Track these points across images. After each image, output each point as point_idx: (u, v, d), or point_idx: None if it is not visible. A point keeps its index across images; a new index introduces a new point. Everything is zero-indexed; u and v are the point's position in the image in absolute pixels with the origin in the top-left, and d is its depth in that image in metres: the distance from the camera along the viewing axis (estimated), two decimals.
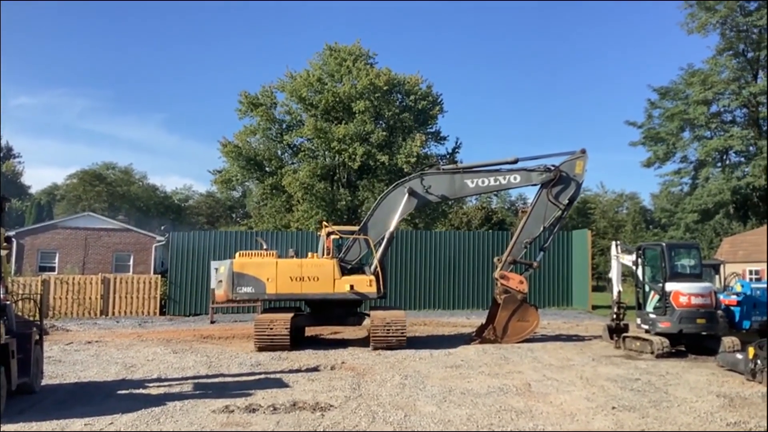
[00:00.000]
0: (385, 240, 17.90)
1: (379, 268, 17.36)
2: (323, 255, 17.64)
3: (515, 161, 18.48)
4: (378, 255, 17.67)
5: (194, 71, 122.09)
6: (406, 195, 18.13)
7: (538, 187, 18.52)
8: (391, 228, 18.00)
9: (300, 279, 16.75)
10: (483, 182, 18.50)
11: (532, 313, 18.14)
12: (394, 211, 18.13)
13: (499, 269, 18.19)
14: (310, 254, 18.18)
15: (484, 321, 19.01)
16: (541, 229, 18.57)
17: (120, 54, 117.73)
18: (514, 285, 17.91)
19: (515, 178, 18.46)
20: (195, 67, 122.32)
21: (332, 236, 17.95)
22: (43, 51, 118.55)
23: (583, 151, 18.55)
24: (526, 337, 18.07)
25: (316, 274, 16.80)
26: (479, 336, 18.13)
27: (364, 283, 16.95)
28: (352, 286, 16.82)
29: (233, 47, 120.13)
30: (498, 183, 18.59)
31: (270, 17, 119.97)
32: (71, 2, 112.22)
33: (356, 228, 18.78)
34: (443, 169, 19.09)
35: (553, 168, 18.33)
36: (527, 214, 18.54)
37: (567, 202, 18.57)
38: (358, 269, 17.66)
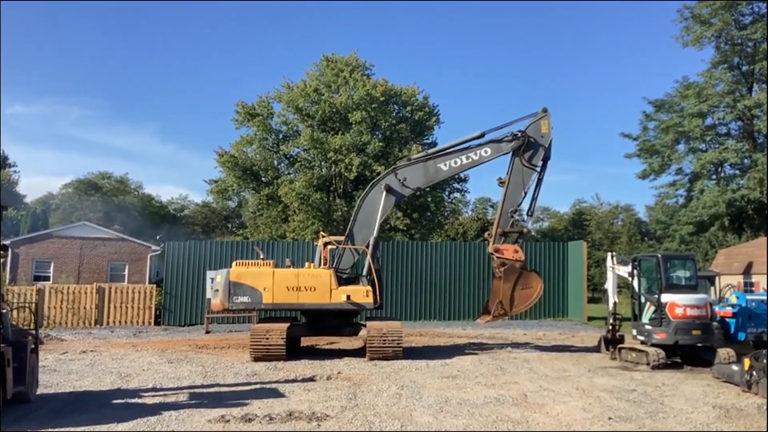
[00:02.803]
0: (370, 246, 17.69)
1: (374, 276, 17.33)
2: (320, 265, 17.64)
3: (482, 135, 18.37)
4: (366, 267, 17.54)
5: (189, 81, 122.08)
6: (384, 193, 17.99)
7: (510, 155, 18.35)
8: (375, 233, 17.83)
9: (296, 289, 16.70)
10: (456, 162, 18.39)
11: (534, 278, 17.99)
12: (376, 211, 17.96)
13: (491, 244, 18.03)
14: (307, 264, 18.15)
15: (479, 331, 18.97)
16: (523, 195, 18.26)
17: (114, 63, 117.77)
18: (510, 255, 17.68)
19: (486, 152, 18.32)
20: (190, 77, 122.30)
21: (329, 246, 17.97)
22: (37, 60, 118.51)
23: (545, 110, 18.44)
24: (533, 302, 18.13)
25: (313, 284, 16.76)
26: (487, 314, 18.02)
27: (361, 294, 16.88)
28: (348, 297, 16.75)
29: (229, 57, 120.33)
30: (470, 160, 18.36)
31: (267, 27, 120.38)
32: (65, 11, 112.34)
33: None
34: (414, 159, 18.89)
35: (520, 134, 18.17)
36: (506, 184, 18.19)
37: (541, 163, 18.33)
38: (355, 279, 17.61)
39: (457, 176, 45.71)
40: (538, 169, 18.28)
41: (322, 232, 20.47)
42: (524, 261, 18.00)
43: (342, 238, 18.52)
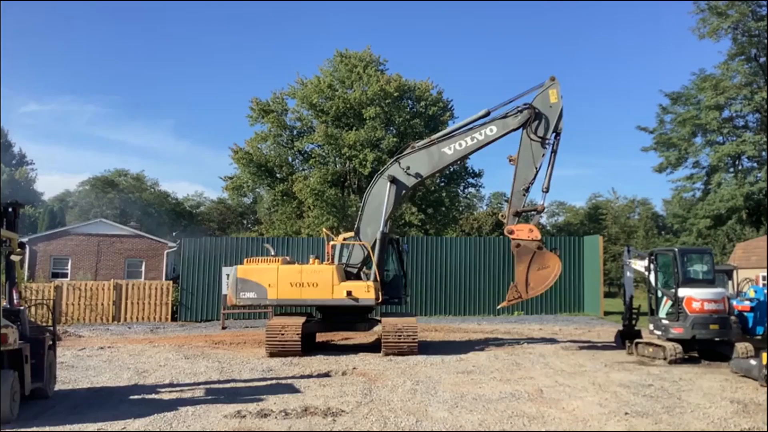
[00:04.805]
0: (377, 242, 17.41)
1: (377, 274, 17.09)
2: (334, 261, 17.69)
3: (487, 114, 17.49)
4: (375, 260, 17.30)
5: (203, 78, 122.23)
6: (388, 184, 17.59)
7: (520, 131, 17.42)
8: (381, 226, 17.47)
9: (300, 285, 16.65)
10: (460, 145, 17.64)
11: (550, 257, 17.12)
12: (382, 204, 17.58)
13: (506, 225, 17.34)
14: (311, 260, 18.07)
15: (494, 326, 18.87)
16: (534, 171, 17.28)
17: (128, 60, 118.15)
18: (525, 235, 16.97)
19: (491, 130, 17.48)
20: (203, 74, 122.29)
21: (331, 242, 17.96)
22: (51, 58, 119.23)
23: (553, 79, 17.48)
24: (551, 283, 17.24)
25: (315, 280, 16.67)
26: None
27: (362, 290, 16.65)
28: (349, 293, 16.57)
29: (243, 53, 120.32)
30: (475, 141, 17.54)
31: (280, 23, 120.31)
32: (77, 10, 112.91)
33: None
34: (417, 146, 18.16)
35: (526, 107, 17.31)
36: (516, 162, 17.29)
37: (553, 135, 17.35)
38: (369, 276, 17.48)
39: (471, 171, 45.79)
40: (551, 141, 17.37)
41: (326, 231, 20.41)
42: (541, 240, 17.19)
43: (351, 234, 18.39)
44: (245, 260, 17.75)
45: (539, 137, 17.23)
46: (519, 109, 17.40)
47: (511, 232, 17.14)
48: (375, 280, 16.99)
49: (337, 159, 41.85)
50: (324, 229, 19.47)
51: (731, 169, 44.91)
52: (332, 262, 17.39)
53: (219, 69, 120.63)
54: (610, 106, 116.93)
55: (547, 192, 17.67)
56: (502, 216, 17.99)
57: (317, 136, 40.55)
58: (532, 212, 17.87)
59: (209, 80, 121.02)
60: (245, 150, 42.46)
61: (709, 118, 42.54)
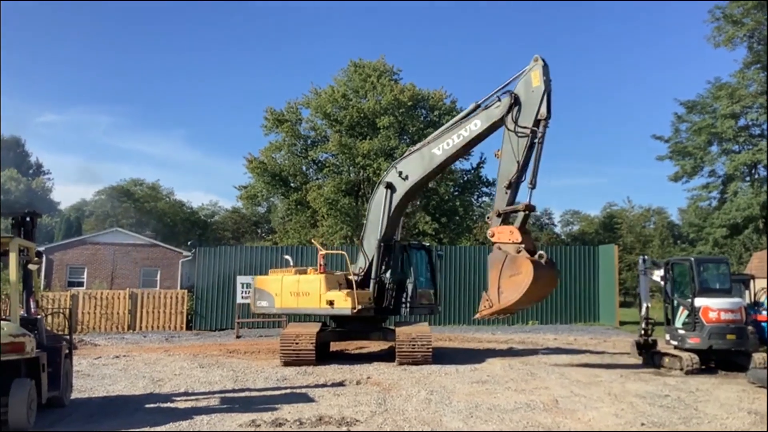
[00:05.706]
0: (375, 251, 17.28)
1: (353, 283, 17.09)
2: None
3: (477, 107, 16.32)
4: (373, 271, 17.24)
5: (216, 87, 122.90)
6: (385, 190, 17.41)
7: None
8: (379, 234, 17.27)
9: (297, 294, 16.97)
10: (448, 144, 16.60)
11: (523, 262, 14.35)
12: (381, 212, 17.45)
13: (489, 227, 15.64)
14: (310, 269, 18.00)
15: (509, 336, 18.76)
16: (516, 165, 15.04)
17: (141, 70, 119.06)
18: (506, 238, 14.85)
19: (475, 125, 16.13)
20: (216, 83, 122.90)
21: (321, 252, 18.07)
22: (66, 69, 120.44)
23: (536, 59, 15.31)
24: (523, 290, 14.28)
25: (308, 290, 16.87)
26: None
27: (341, 299, 16.54)
28: (331, 302, 16.60)
29: (256, 63, 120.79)
30: (461, 138, 16.33)
31: (294, 33, 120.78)
32: (92, 19, 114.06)
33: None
34: (411, 150, 17.74)
35: (506, 94, 15.62)
36: (500, 157, 15.62)
37: (540, 123, 15.01)
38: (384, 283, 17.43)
39: (485, 180, 45.64)
40: (531, 131, 15.02)
41: (314, 241, 20.52)
42: (522, 243, 14.72)
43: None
44: (270, 271, 18.42)
45: (519, 126, 15.27)
46: (498, 97, 15.88)
47: (493, 235, 15.31)
48: (353, 287, 16.83)
49: (350, 168, 41.93)
50: (313, 240, 19.59)
51: (747, 178, 44.57)
52: (323, 271, 17.44)
53: (232, 79, 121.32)
54: (625, 114, 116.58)
55: (533, 188, 15.16)
56: (488, 218, 16.17)
57: (331, 146, 40.67)
58: (517, 212, 15.44)
59: (222, 90, 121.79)
60: (259, 159, 42.66)
61: (724, 127, 42.27)
